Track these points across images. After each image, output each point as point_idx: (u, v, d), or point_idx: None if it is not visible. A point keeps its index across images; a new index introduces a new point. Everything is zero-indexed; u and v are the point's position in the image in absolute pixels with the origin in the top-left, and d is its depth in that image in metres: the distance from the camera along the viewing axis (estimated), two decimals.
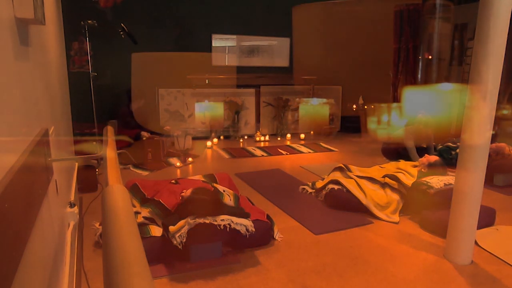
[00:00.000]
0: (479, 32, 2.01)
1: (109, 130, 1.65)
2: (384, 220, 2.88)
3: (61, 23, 3.34)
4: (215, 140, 5.68)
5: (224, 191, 2.68)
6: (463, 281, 2.08)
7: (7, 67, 0.87)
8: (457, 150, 3.18)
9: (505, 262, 2.27)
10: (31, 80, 1.24)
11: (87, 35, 3.82)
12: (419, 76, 5.72)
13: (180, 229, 2.13)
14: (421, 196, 2.89)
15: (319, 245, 2.48)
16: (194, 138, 5.39)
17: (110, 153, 1.29)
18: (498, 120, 4.80)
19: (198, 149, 5.22)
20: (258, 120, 6.25)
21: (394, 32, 5.72)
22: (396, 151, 4.36)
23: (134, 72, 5.92)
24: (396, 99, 5.69)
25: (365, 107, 5.30)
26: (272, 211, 2.96)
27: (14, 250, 0.71)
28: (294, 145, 5.59)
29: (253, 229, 2.26)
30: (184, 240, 2.10)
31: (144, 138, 4.65)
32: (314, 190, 3.40)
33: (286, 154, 5.10)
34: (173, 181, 2.93)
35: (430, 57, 5.78)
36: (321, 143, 5.72)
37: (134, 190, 2.90)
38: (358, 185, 3.13)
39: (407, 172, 3.19)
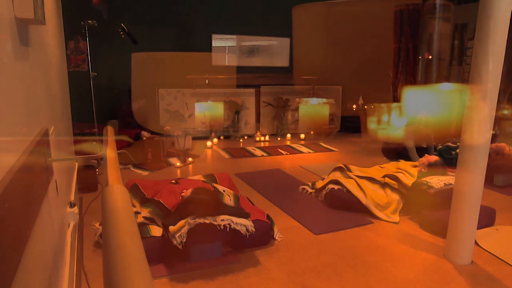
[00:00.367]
0: (479, 32, 2.01)
1: (109, 130, 1.65)
2: (384, 220, 2.88)
3: (61, 23, 3.34)
4: (215, 140, 5.68)
5: (224, 191, 2.68)
6: (463, 281, 2.08)
7: (7, 67, 0.87)
8: (457, 150, 3.18)
9: (505, 262, 2.27)
10: (31, 80, 1.24)
11: (87, 35, 3.82)
12: (419, 76, 5.72)
13: (180, 229, 2.13)
14: (421, 196, 2.89)
15: (319, 245, 2.48)
16: (194, 138, 5.39)
17: (110, 153, 1.29)
18: (498, 120, 4.80)
19: (198, 149, 5.22)
20: (258, 120, 6.25)
21: (394, 32, 5.72)
22: (396, 151, 4.36)
23: (134, 72, 5.91)
24: (396, 99, 5.69)
25: (365, 107, 5.30)
26: (272, 211, 2.96)
27: (14, 250, 0.71)
28: (294, 145, 5.59)
29: (253, 229, 2.26)
30: (184, 240, 2.10)
31: (144, 138, 4.65)
32: (314, 190, 3.40)
33: (286, 154, 5.10)
34: (173, 181, 2.93)
35: (430, 57, 5.78)
36: (321, 143, 5.72)
37: (134, 190, 2.90)
38: (358, 185, 3.13)
39: (407, 172, 3.19)
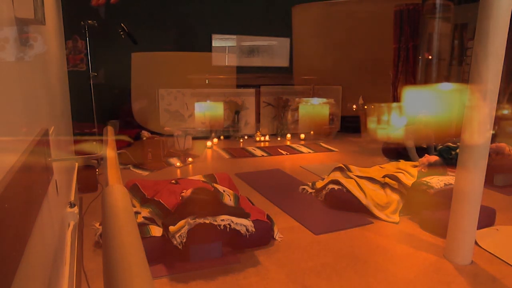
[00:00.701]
0: (479, 32, 2.01)
1: (109, 130, 1.66)
2: (384, 220, 2.88)
3: (61, 23, 3.34)
4: (215, 140, 5.68)
5: (224, 191, 2.68)
6: (463, 281, 2.08)
7: (7, 67, 0.87)
8: (457, 150, 3.18)
9: (505, 262, 2.27)
10: (31, 80, 1.24)
11: (87, 35, 3.82)
12: (419, 76, 5.72)
13: (180, 229, 2.13)
14: (421, 196, 2.89)
15: (319, 245, 2.48)
16: (194, 138, 5.39)
17: (110, 153, 1.29)
18: (498, 120, 4.80)
19: (198, 149, 5.22)
20: (258, 120, 6.25)
21: (394, 32, 5.72)
22: (396, 151, 4.36)
23: (134, 72, 5.91)
24: (396, 99, 5.68)
25: (365, 107, 5.30)
26: (272, 211, 2.96)
27: (14, 250, 0.71)
28: (294, 145, 5.59)
29: (253, 229, 2.26)
30: (184, 240, 2.10)
31: (144, 138, 4.65)
32: (314, 190, 3.40)
33: (286, 154, 5.10)
34: (173, 181, 2.93)
35: (430, 57, 5.78)
36: (321, 143, 5.72)
37: (134, 190, 2.90)
38: (358, 185, 3.13)
39: (407, 172, 3.19)
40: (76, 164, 3.30)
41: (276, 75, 6.86)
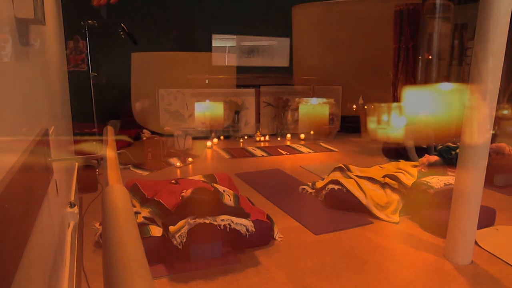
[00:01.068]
0: (479, 32, 2.01)
1: (109, 130, 1.66)
2: (384, 220, 2.88)
3: (61, 23, 3.34)
4: (215, 140, 5.68)
5: (224, 191, 2.68)
6: (463, 281, 2.08)
7: (7, 67, 0.87)
8: (457, 150, 3.18)
9: (505, 262, 2.27)
10: (31, 80, 1.24)
11: (87, 35, 3.82)
12: (419, 76, 5.72)
13: (180, 229, 2.13)
14: (421, 196, 2.89)
15: (319, 245, 2.48)
16: (194, 138, 5.39)
17: (110, 153, 1.29)
18: (498, 120, 4.80)
19: (198, 149, 5.22)
20: (258, 120, 6.24)
21: (394, 32, 5.72)
22: (396, 151, 4.36)
23: (134, 72, 5.91)
24: (396, 99, 5.68)
25: (365, 107, 5.30)
26: (272, 211, 2.96)
27: (14, 250, 0.71)
28: (294, 145, 5.59)
29: (253, 229, 2.26)
30: (184, 240, 2.10)
31: (144, 138, 4.65)
32: (314, 190, 3.40)
33: (286, 154, 5.10)
34: (173, 181, 2.93)
35: (430, 57, 5.77)
36: (321, 143, 5.72)
37: (134, 190, 2.90)
38: (358, 185, 3.13)
39: (407, 172, 3.19)
40: (76, 164, 3.30)
41: (276, 75, 6.86)
